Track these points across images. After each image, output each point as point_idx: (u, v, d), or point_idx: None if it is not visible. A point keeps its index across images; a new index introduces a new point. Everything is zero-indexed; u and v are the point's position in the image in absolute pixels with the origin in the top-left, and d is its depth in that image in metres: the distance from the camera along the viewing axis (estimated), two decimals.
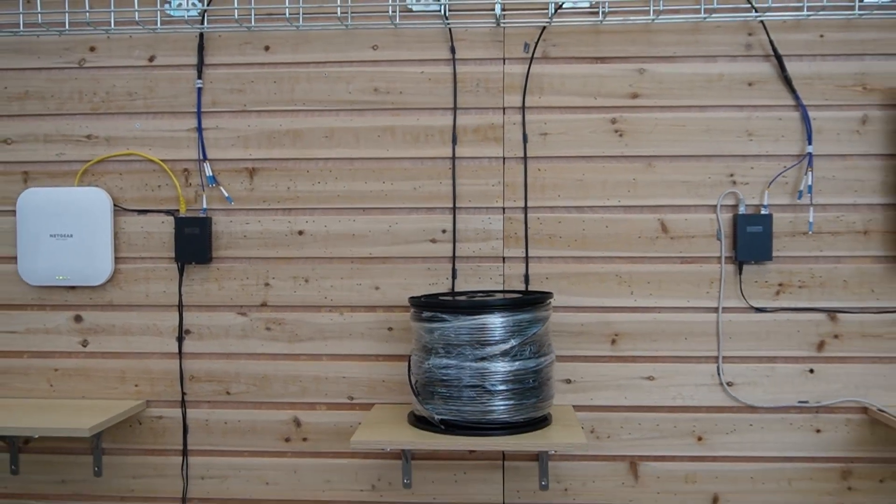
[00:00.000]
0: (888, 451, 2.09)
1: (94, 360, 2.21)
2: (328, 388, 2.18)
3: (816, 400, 2.10)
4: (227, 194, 2.17)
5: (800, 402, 2.10)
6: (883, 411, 2.02)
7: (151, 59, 2.18)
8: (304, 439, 2.18)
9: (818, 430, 2.10)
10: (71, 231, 2.15)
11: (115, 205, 2.18)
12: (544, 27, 2.10)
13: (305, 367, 2.18)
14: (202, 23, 2.14)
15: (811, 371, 2.10)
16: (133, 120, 2.19)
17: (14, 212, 2.20)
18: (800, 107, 2.08)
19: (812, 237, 2.09)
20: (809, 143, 2.07)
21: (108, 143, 2.19)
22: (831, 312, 2.09)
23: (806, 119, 2.08)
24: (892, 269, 2.08)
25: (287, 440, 2.19)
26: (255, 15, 2.13)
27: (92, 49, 2.18)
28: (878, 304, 2.08)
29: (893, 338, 2.08)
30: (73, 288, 2.20)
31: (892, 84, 2.06)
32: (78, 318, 2.20)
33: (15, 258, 2.20)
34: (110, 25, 2.14)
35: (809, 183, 2.07)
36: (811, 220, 2.07)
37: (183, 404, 2.20)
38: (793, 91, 2.08)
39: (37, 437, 2.05)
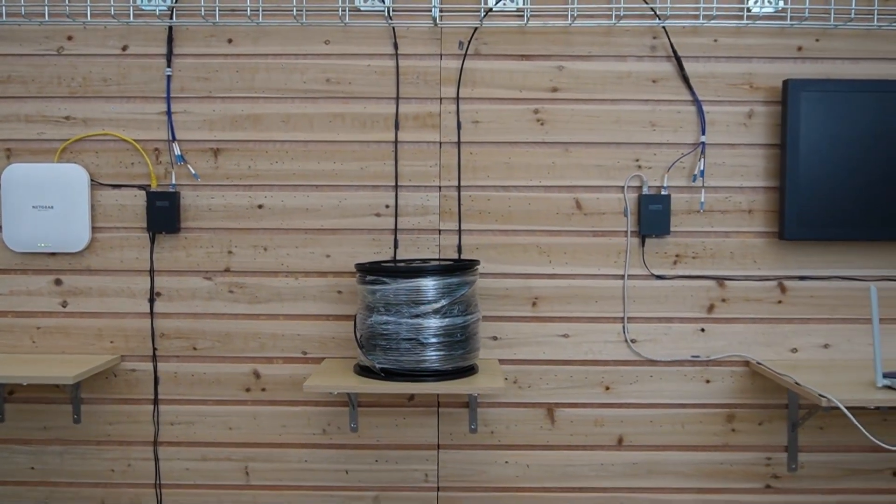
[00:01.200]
0: (766, 399, 2.40)
1: (72, 319, 2.42)
2: (284, 344, 2.43)
3: (706, 355, 2.40)
4: (193, 171, 2.40)
5: (692, 356, 2.40)
6: (761, 364, 2.31)
7: (125, 48, 2.38)
8: (263, 389, 2.43)
9: (707, 381, 2.40)
10: (52, 203, 2.36)
11: (91, 180, 2.39)
12: (476, 28, 2.36)
13: (264, 326, 2.42)
14: (171, 17, 2.35)
15: (702, 330, 2.40)
16: (108, 103, 2.39)
17: None
18: (696, 102, 2.36)
19: (704, 215, 2.38)
20: (703, 134, 2.35)
21: (85, 123, 2.40)
22: (720, 280, 2.39)
23: (700, 112, 2.36)
24: (772, 242, 2.38)
25: (247, 390, 2.43)
26: (219, 11, 2.35)
27: (70, 38, 2.38)
28: (759, 273, 2.39)
29: (772, 302, 2.39)
30: (53, 254, 2.41)
31: (775, 83, 2.35)
32: (58, 282, 2.42)
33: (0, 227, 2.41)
34: (86, 17, 2.35)
35: (702, 168, 2.35)
36: (703, 200, 2.36)
37: (154, 358, 2.43)
38: (690, 88, 2.36)
39: (25, 384, 2.26)
